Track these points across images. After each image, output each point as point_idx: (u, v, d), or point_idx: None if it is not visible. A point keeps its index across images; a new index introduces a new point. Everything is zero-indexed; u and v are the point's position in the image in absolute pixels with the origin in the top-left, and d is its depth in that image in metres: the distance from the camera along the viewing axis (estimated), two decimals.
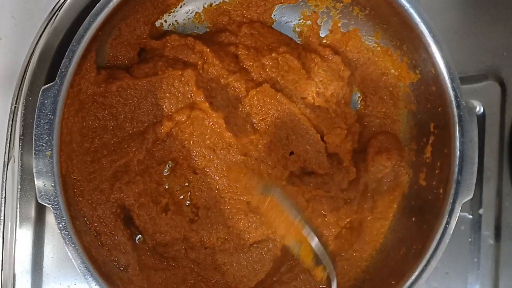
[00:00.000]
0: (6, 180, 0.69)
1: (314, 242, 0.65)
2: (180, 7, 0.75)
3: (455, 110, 0.65)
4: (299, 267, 0.74)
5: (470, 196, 0.65)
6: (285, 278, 0.74)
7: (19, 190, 0.68)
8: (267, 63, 0.73)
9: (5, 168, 0.69)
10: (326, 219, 0.73)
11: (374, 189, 0.74)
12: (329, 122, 0.73)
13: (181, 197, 0.73)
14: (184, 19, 0.75)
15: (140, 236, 0.72)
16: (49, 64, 0.67)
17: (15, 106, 0.69)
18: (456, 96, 0.65)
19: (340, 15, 0.76)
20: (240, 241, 0.72)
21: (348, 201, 0.74)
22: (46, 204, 0.60)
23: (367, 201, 0.74)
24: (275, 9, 0.76)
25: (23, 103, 0.67)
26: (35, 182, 0.60)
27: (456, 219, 0.65)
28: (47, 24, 0.68)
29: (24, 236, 0.69)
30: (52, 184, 0.60)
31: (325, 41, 0.76)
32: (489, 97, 0.78)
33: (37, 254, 0.70)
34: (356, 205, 0.73)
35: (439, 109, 0.68)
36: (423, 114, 0.72)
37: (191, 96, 0.71)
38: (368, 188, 0.74)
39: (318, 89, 0.73)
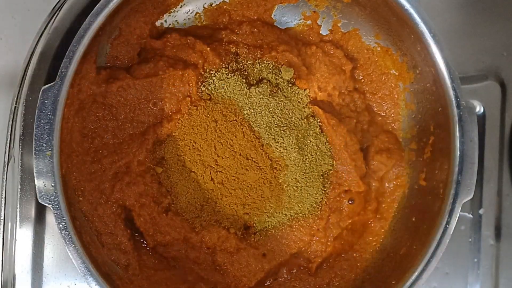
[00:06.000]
0: (6, 180, 0.69)
1: None
2: (180, 7, 0.75)
3: (455, 110, 0.65)
4: (299, 267, 0.74)
5: (470, 196, 0.65)
6: (285, 278, 0.74)
7: (19, 190, 0.68)
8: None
9: (5, 168, 0.69)
10: (329, 220, 0.73)
11: (377, 189, 0.74)
12: (335, 115, 0.73)
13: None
14: (184, 19, 0.75)
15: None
16: (49, 64, 0.67)
17: (15, 106, 0.69)
18: (456, 96, 0.65)
19: (340, 15, 0.76)
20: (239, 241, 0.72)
21: (350, 202, 0.74)
22: (46, 204, 0.60)
23: (371, 203, 0.74)
24: (275, 9, 0.76)
25: (23, 103, 0.67)
26: (35, 182, 0.60)
27: (456, 219, 0.65)
28: (47, 24, 0.68)
29: (24, 236, 0.69)
30: (52, 184, 0.60)
31: (326, 38, 0.76)
32: (489, 97, 0.78)
33: (37, 254, 0.70)
34: (360, 206, 0.73)
35: (439, 109, 0.68)
36: (423, 114, 0.72)
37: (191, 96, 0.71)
38: (372, 188, 0.74)
39: (319, 84, 0.74)
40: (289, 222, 0.73)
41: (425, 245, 0.65)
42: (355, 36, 0.76)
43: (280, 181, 0.72)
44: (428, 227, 0.67)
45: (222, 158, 0.71)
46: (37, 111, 0.60)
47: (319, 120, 0.73)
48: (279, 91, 0.73)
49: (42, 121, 0.60)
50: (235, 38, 0.74)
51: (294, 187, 0.73)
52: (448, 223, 0.65)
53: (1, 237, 0.69)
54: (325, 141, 0.73)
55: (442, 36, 0.65)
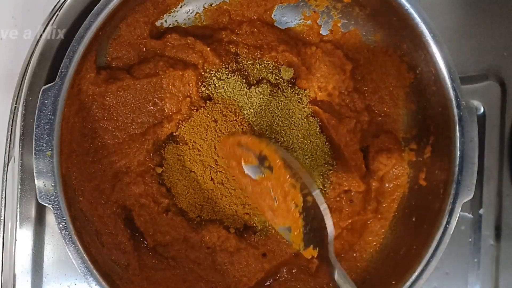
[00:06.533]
0: (6, 180, 0.69)
1: (319, 197, 0.60)
2: (180, 7, 0.75)
3: (455, 110, 0.65)
4: (299, 267, 0.74)
5: (470, 196, 0.65)
6: (285, 278, 0.74)
7: (19, 190, 0.68)
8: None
9: (5, 168, 0.69)
10: None
11: (377, 189, 0.74)
12: (335, 115, 0.73)
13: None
14: (184, 19, 0.75)
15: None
16: (49, 64, 0.67)
17: (15, 106, 0.69)
18: (456, 96, 0.65)
19: (340, 15, 0.76)
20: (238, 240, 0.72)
21: (350, 202, 0.74)
22: (46, 204, 0.60)
23: (370, 203, 0.74)
24: (275, 9, 0.76)
25: (23, 103, 0.67)
26: (35, 182, 0.60)
27: (456, 219, 0.65)
28: (47, 24, 0.68)
29: (24, 236, 0.69)
30: (53, 184, 0.60)
31: (326, 38, 0.76)
32: (489, 97, 0.78)
33: (37, 254, 0.70)
34: (359, 206, 0.73)
35: (439, 109, 0.68)
36: (423, 114, 0.72)
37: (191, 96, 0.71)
38: (371, 188, 0.74)
39: (319, 84, 0.73)
40: None
41: (425, 245, 0.65)
42: (355, 36, 0.76)
43: None
44: (428, 227, 0.67)
45: (222, 158, 0.71)
46: (37, 111, 0.60)
47: (319, 120, 0.73)
48: (279, 91, 0.73)
49: (42, 121, 0.60)
50: (235, 38, 0.74)
51: None
52: (448, 223, 0.65)
53: (1, 237, 0.69)
54: (325, 141, 0.73)
55: (442, 36, 0.65)
